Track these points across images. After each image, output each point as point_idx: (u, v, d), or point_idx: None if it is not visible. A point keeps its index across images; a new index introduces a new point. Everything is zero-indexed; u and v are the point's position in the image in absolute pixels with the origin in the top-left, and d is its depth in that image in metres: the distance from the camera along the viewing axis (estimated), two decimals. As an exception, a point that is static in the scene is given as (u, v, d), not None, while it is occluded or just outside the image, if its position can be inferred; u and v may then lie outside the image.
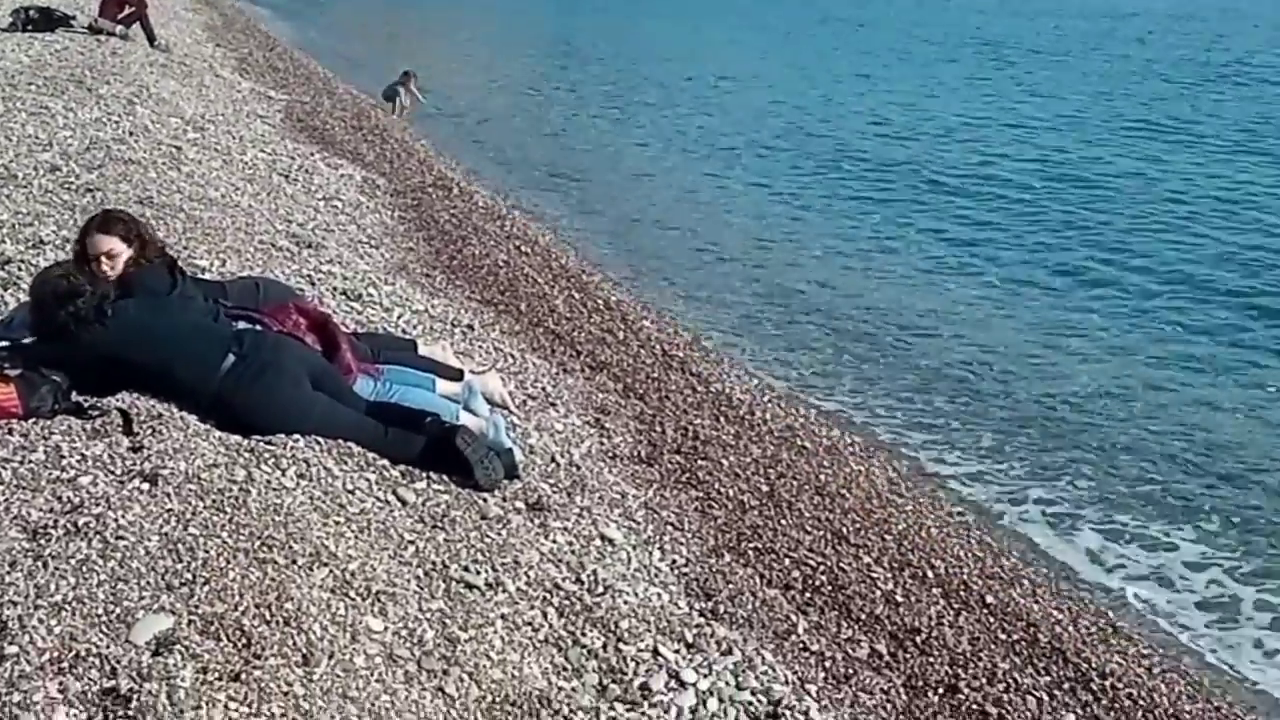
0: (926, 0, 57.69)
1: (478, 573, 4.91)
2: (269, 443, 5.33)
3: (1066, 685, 6.00)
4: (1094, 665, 6.23)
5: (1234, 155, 22.90)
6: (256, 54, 24.51)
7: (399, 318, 8.35)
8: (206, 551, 4.20)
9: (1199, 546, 8.40)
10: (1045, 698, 5.79)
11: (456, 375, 6.65)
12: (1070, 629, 6.66)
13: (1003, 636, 6.31)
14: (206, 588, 3.99)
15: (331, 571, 4.43)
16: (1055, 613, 6.84)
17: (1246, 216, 18.05)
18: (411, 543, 4.97)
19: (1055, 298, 14.22)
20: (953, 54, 39.06)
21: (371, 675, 3.97)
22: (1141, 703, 6.03)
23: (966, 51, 39.49)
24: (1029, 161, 22.28)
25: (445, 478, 5.67)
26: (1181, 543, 8.46)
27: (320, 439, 5.51)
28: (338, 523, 4.86)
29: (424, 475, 5.65)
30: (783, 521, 6.95)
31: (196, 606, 3.89)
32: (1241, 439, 10.26)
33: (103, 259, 5.93)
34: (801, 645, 5.49)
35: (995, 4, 55.35)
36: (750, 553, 6.40)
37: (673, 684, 4.69)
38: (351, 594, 4.36)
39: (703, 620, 5.30)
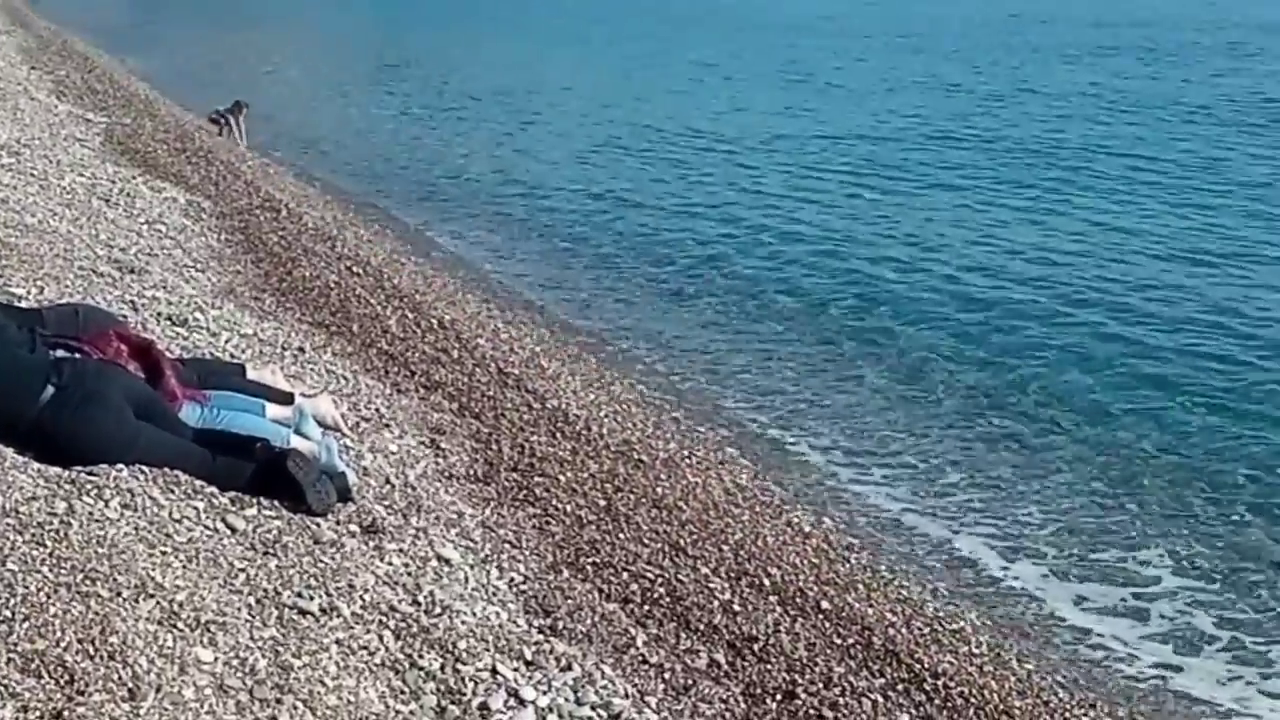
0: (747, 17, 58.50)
1: (311, 598, 4.84)
2: (91, 473, 5.19)
3: (901, 686, 6.12)
4: (927, 666, 6.37)
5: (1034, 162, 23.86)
6: (74, 76, 23.79)
7: (227, 342, 8.19)
8: (25, 587, 4.07)
9: (1034, 536, 8.84)
10: (880, 699, 5.90)
11: (287, 399, 6.55)
12: (904, 631, 6.80)
13: (838, 641, 6.42)
14: (26, 624, 3.87)
15: (158, 603, 4.32)
16: (889, 615, 6.98)
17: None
18: (242, 570, 4.88)
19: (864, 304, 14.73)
20: (763, 67, 39.82)
21: (201, 707, 3.89)
22: (973, 700, 6.18)
23: (777, 65, 40.21)
24: (842, 168, 23.21)
25: (276, 503, 5.57)
26: (1016, 536, 8.86)
27: (145, 468, 5.39)
28: (164, 553, 4.75)
29: (254, 501, 5.54)
30: (620, 535, 6.97)
31: (15, 644, 3.77)
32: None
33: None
34: (641, 658, 5.52)
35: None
36: (588, 568, 6.41)
37: (512, 702, 4.68)
38: (179, 625, 4.26)
39: (541, 637, 5.30)
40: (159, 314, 8.32)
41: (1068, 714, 6.52)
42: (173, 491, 5.33)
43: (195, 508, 5.28)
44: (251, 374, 6.82)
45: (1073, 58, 41.05)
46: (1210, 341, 13.16)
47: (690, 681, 5.49)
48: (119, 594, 4.26)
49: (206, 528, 5.16)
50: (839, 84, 35.31)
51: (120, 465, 5.31)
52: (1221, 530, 9.07)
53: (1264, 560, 8.67)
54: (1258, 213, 19.06)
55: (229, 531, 5.22)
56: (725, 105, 31.19)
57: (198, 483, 5.47)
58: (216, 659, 4.19)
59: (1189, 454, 10.32)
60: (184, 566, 4.71)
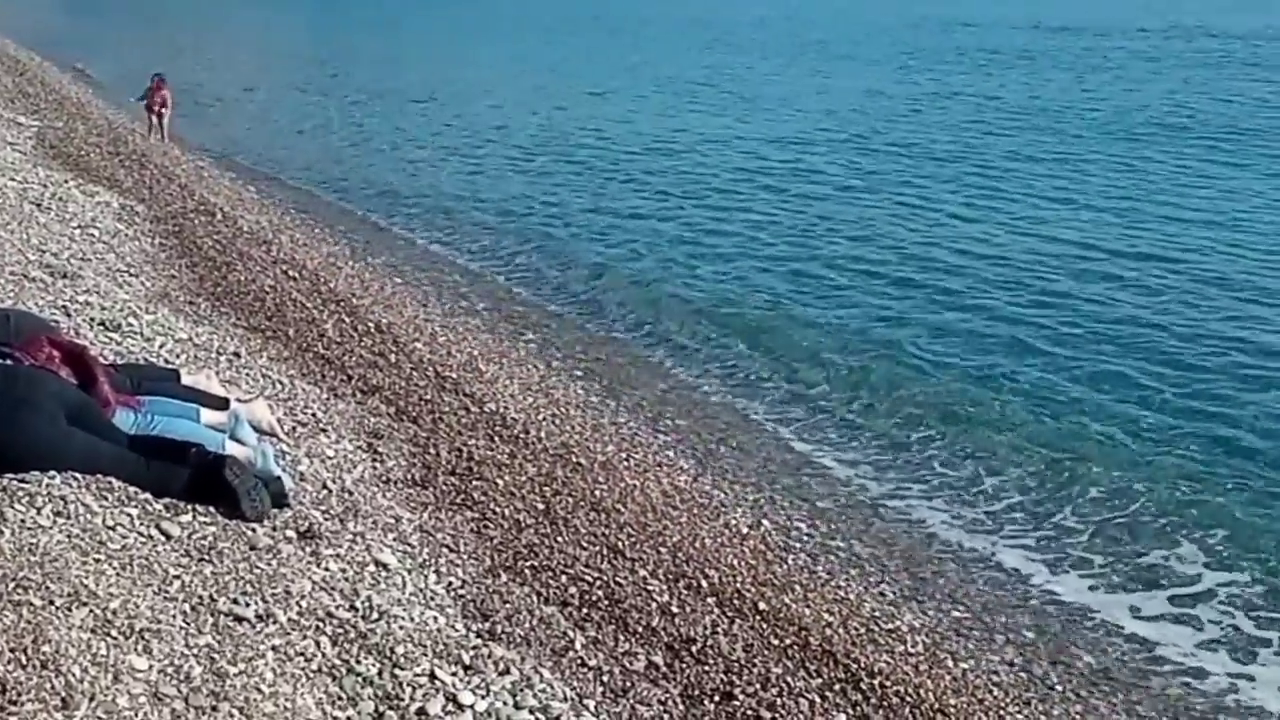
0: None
1: (247, 605, 4.81)
2: (23, 480, 5.13)
3: (838, 686, 6.16)
4: (863, 665, 6.42)
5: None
6: (5, 79, 23.58)
7: (161, 347, 8.12)
8: (-45, 597, 4.04)
9: (982, 528, 9.08)
10: (817, 699, 5.94)
11: (222, 404, 6.50)
12: (840, 631, 6.85)
13: (775, 642, 6.45)
14: (-44, 634, 3.84)
15: (92, 611, 4.29)
16: (826, 616, 7.03)
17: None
18: (177, 577, 4.84)
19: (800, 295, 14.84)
20: (693, 72, 40.13)
21: (136, 716, 3.86)
22: (909, 699, 6.24)
23: (706, 70, 40.53)
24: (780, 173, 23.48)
25: (212, 509, 5.53)
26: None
27: (78, 475, 5.33)
28: (98, 560, 4.71)
29: (189, 508, 5.49)
30: (559, 539, 6.98)
31: (-55, 654, 3.74)
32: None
33: None
34: (579, 661, 5.52)
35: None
36: (527, 571, 6.41)
37: (450, 707, 4.67)
38: (113, 633, 4.23)
39: (480, 641, 5.29)
40: (92, 319, 8.24)
41: (1002, 711, 6.60)
42: (106, 498, 5.28)
43: (129, 514, 5.23)
44: (186, 379, 6.76)
45: (996, 62, 41.57)
46: (1196, 348, 13.34)
47: (629, 683, 5.50)
48: (51, 602, 4.22)
49: (140, 534, 5.12)
50: (768, 89, 35.56)
51: (53, 472, 5.25)
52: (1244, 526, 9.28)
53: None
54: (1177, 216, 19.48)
55: (163, 538, 5.17)
56: (652, 110, 31.50)
57: (131, 489, 5.42)
58: (151, 667, 4.16)
59: (1187, 452, 10.56)
60: (118, 574, 4.67)
